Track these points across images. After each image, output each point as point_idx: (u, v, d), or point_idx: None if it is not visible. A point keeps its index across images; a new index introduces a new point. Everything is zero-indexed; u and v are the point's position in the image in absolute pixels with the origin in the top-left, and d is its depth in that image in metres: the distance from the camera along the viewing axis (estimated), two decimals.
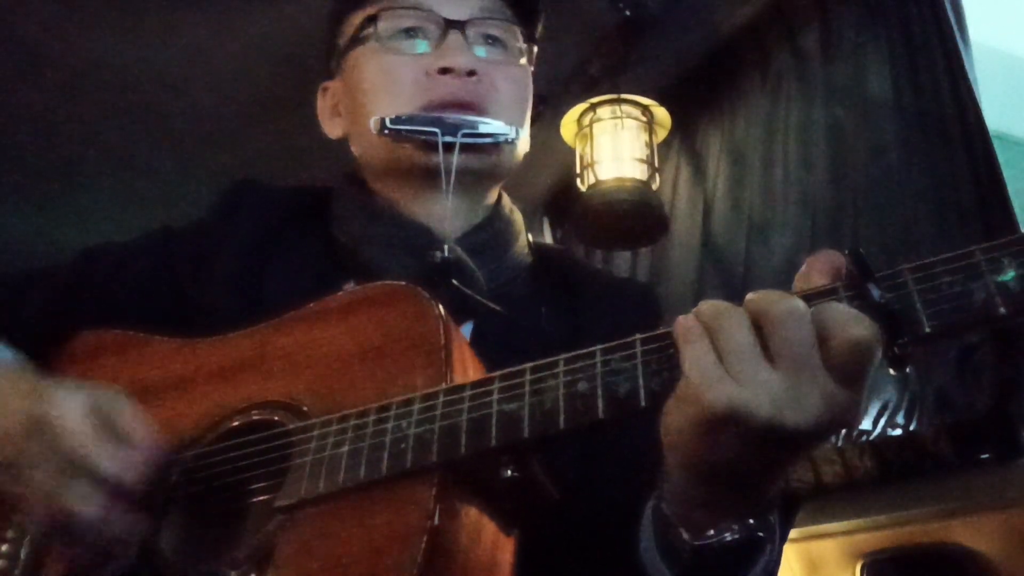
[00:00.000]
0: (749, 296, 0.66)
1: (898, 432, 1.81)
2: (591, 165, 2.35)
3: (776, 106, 2.41)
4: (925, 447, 1.79)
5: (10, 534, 0.91)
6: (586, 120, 2.38)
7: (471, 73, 1.05)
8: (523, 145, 1.11)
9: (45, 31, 2.26)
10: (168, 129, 2.65)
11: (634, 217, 2.33)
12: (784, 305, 0.64)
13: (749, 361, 0.63)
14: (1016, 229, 1.81)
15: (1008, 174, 1.86)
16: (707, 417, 0.64)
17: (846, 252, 0.67)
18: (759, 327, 0.64)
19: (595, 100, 2.36)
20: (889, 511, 1.82)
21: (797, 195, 2.28)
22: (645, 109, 2.38)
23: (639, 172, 2.32)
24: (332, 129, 1.17)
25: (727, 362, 0.64)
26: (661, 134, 2.45)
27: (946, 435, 1.77)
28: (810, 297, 0.66)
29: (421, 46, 1.07)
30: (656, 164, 2.39)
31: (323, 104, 1.19)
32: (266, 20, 2.28)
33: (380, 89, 1.07)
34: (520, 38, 1.12)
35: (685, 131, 2.69)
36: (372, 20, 1.08)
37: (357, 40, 1.10)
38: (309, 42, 2.30)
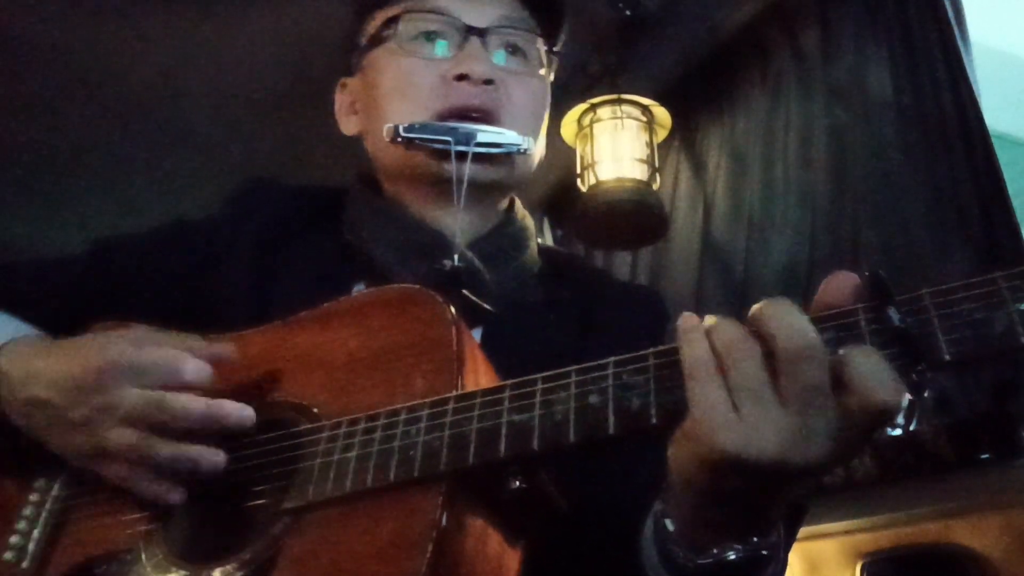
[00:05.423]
0: (764, 318, 0.63)
1: (898, 432, 1.81)
2: (591, 165, 2.34)
3: (776, 106, 2.41)
4: (925, 447, 1.79)
5: (21, 525, 0.90)
6: (586, 120, 2.37)
7: (488, 81, 1.04)
8: (537, 156, 1.11)
9: (46, 30, 2.26)
10: (169, 129, 2.64)
11: (634, 217, 2.32)
12: (799, 342, 0.61)
13: (759, 400, 0.61)
14: (1016, 229, 1.81)
15: (1008, 174, 1.86)
16: (713, 457, 0.62)
17: (866, 273, 0.65)
18: (771, 357, 0.62)
19: (595, 100, 2.35)
20: (889, 511, 1.81)
21: (797, 195, 2.28)
22: (645, 109, 2.37)
23: (639, 172, 2.31)
24: (348, 126, 1.16)
25: (736, 399, 0.62)
26: (661, 134, 2.44)
27: (946, 435, 1.77)
28: (828, 320, 0.64)
29: (440, 49, 1.07)
30: (656, 164, 2.38)
31: (341, 100, 1.18)
32: (269, 19, 2.28)
33: (396, 92, 1.06)
34: (541, 48, 1.12)
35: (685, 131, 2.69)
36: (393, 21, 1.08)
37: (377, 40, 1.10)
38: (313, 42, 2.32)
